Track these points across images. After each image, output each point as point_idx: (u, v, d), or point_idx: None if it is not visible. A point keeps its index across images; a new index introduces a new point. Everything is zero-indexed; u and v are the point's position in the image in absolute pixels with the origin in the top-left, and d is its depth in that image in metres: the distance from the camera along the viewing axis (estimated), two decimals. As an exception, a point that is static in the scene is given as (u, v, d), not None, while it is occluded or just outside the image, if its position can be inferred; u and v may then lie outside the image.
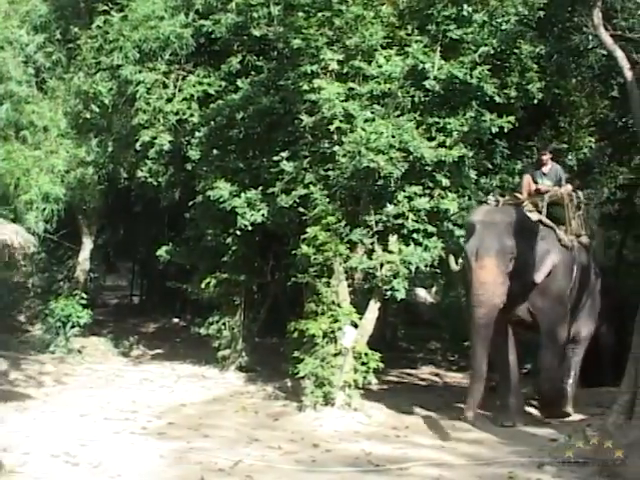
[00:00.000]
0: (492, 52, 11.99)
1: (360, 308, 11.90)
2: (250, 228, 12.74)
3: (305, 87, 11.65)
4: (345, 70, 11.86)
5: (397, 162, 11.16)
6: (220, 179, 12.92)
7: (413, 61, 11.65)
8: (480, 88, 11.73)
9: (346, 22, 11.80)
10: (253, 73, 13.23)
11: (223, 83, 13.55)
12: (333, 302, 11.75)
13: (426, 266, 11.60)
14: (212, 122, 13.41)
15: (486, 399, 11.36)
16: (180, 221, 15.72)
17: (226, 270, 14.08)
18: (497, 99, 11.91)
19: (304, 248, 11.71)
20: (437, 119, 11.89)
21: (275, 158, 12.31)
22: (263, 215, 12.62)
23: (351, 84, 11.72)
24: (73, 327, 15.65)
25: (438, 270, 12.27)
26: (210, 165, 13.48)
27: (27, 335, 17.21)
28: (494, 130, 11.88)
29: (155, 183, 14.36)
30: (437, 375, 16.04)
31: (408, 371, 15.70)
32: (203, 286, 14.14)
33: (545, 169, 12.35)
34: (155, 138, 13.57)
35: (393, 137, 11.14)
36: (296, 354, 11.77)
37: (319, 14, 11.88)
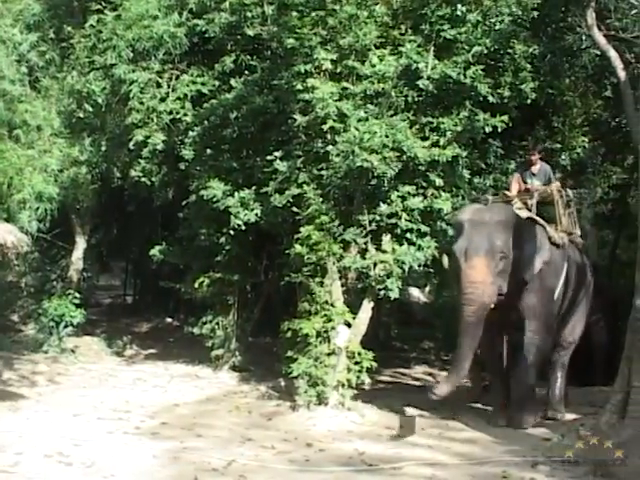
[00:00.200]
0: (486, 52, 11.99)
1: (353, 308, 11.91)
2: (244, 228, 12.73)
3: (299, 87, 11.64)
4: (339, 70, 11.86)
5: (391, 162, 11.16)
6: (214, 178, 12.91)
7: (407, 61, 11.64)
8: (474, 88, 11.74)
9: (340, 22, 11.80)
10: (247, 72, 13.23)
11: (217, 82, 13.54)
12: (326, 302, 11.75)
13: (419, 266, 11.60)
14: (206, 121, 13.39)
15: (479, 399, 11.41)
16: (173, 221, 15.71)
17: (219, 270, 14.07)
18: (491, 99, 11.91)
19: (298, 248, 11.71)
20: (431, 119, 11.89)
21: (269, 158, 12.29)
22: (257, 215, 12.61)
23: (345, 84, 11.72)
24: (66, 327, 15.63)
25: (431, 270, 12.28)
26: (204, 164, 13.47)
27: (20, 335, 17.16)
28: (488, 130, 11.88)
29: (148, 182, 14.34)
30: (430, 375, 16.04)
31: (401, 371, 15.71)
32: (196, 286, 14.13)
33: (534, 169, 12.35)
34: (148, 137, 13.55)
35: (387, 137, 11.14)
36: (289, 354, 11.78)
37: (313, 14, 11.88)
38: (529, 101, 12.67)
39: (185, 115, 13.51)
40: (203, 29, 13.32)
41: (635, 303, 8.92)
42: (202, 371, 14.66)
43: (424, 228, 11.66)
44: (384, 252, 11.61)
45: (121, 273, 27.19)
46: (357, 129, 11.20)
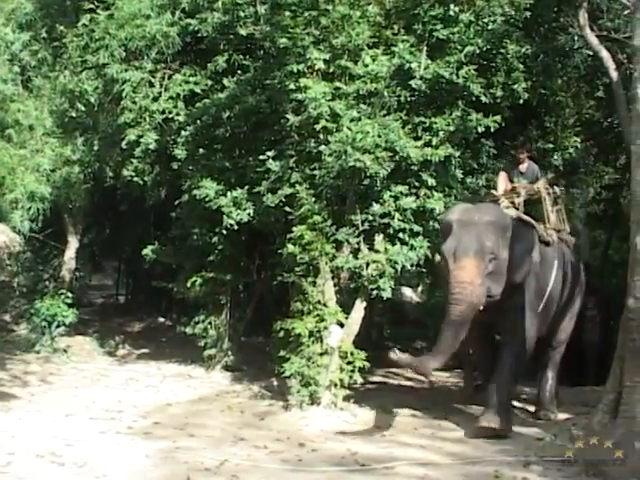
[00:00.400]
0: (478, 52, 12.00)
1: (346, 307, 11.91)
2: (236, 227, 12.72)
3: (291, 86, 11.64)
4: (331, 69, 11.86)
5: (383, 161, 11.17)
6: (206, 178, 12.89)
7: (399, 61, 11.65)
8: (466, 88, 11.75)
9: (332, 21, 11.80)
10: (239, 72, 13.22)
11: (209, 82, 13.52)
12: (319, 301, 11.76)
13: (412, 265, 11.60)
14: (198, 121, 13.38)
15: (471, 399, 11.43)
16: (166, 220, 15.69)
17: (212, 269, 14.05)
18: (483, 99, 11.92)
19: (290, 247, 11.72)
20: (423, 119, 11.90)
21: (261, 157, 12.28)
22: (249, 214, 12.60)
23: (337, 83, 11.72)
24: (59, 326, 15.59)
25: (424, 269, 12.28)
26: (196, 164, 13.46)
27: (12, 334, 17.18)
28: (480, 130, 11.88)
29: (141, 182, 14.32)
30: (423, 375, 16.03)
31: (394, 370, 15.68)
32: (189, 285, 14.11)
33: (522, 168, 12.33)
34: (141, 137, 13.52)
35: (379, 136, 11.14)
36: (282, 353, 11.78)
37: (305, 13, 11.88)
38: (521, 101, 12.66)
39: (178, 115, 13.49)
40: (196, 28, 13.30)
41: (627, 303, 8.93)
42: (194, 371, 14.65)
43: (417, 228, 11.66)
44: (377, 252, 11.62)
45: (113, 273, 27.17)
46: (350, 129, 11.20)
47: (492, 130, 11.91)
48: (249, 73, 13.09)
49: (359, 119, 11.49)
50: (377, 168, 11.13)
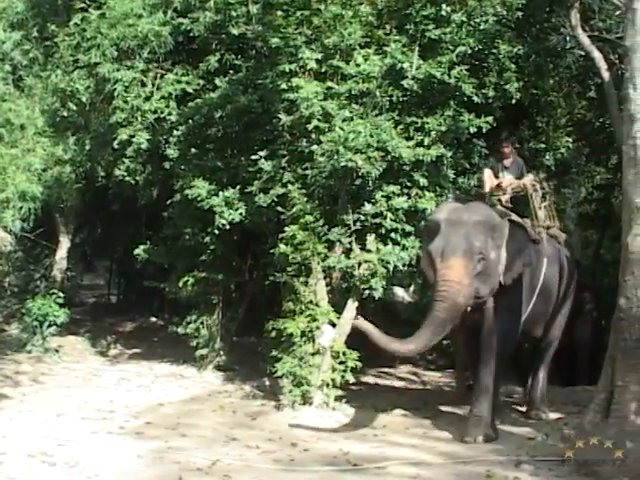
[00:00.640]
0: (470, 52, 11.98)
1: (338, 307, 11.91)
2: (228, 227, 12.71)
3: (283, 86, 11.63)
4: (323, 69, 11.84)
5: (375, 161, 11.16)
6: (198, 178, 12.87)
7: (391, 60, 11.64)
8: (458, 88, 11.74)
9: (325, 21, 11.79)
10: (231, 72, 13.22)
11: (201, 82, 13.51)
12: (311, 301, 11.76)
13: (404, 265, 11.59)
14: (190, 121, 13.36)
15: (463, 399, 11.43)
16: (158, 220, 15.68)
17: (204, 269, 14.04)
18: (475, 99, 11.90)
19: (282, 247, 11.71)
20: (415, 118, 11.89)
21: (253, 157, 12.28)
22: (241, 214, 12.59)
23: (329, 83, 11.71)
24: (50, 326, 15.55)
25: (416, 269, 12.26)
26: (188, 164, 13.45)
27: (3, 334, 17.13)
28: (472, 130, 11.88)
29: (133, 182, 14.30)
30: (415, 374, 16.06)
31: (386, 370, 15.71)
32: (181, 285, 14.09)
33: (507, 162, 12.12)
34: (133, 136, 13.50)
35: (371, 136, 11.13)
36: (274, 353, 11.78)
37: (298, 13, 11.87)
38: (513, 101, 12.65)
39: (170, 114, 13.48)
40: (188, 28, 13.28)
41: (618, 303, 8.95)
42: (186, 371, 14.64)
43: (408, 228, 11.64)
44: (368, 252, 11.61)
45: (105, 272, 27.15)
46: (342, 129, 11.20)
47: (484, 130, 11.92)
48: (241, 73, 13.09)
49: (351, 119, 11.48)
50: (369, 168, 11.12)
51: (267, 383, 12.86)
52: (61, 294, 15.90)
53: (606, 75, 12.27)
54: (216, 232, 12.97)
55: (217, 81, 13.08)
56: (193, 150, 13.46)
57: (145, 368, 15.08)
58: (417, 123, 11.86)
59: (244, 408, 11.86)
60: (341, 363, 11.58)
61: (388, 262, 11.43)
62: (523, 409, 12.17)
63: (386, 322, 18.86)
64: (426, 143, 11.66)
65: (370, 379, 14.72)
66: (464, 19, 11.97)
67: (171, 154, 13.47)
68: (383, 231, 11.64)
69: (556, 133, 14.85)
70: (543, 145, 14.73)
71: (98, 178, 15.82)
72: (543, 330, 11.94)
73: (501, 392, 11.71)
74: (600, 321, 14.97)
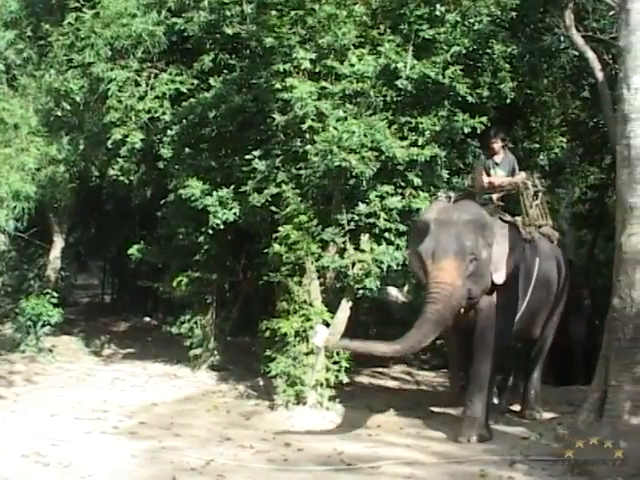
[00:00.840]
0: (464, 52, 11.99)
1: (332, 307, 11.90)
2: (222, 227, 12.71)
3: (277, 86, 11.62)
4: (317, 69, 11.84)
5: (369, 161, 11.15)
6: (192, 177, 12.86)
7: (385, 60, 11.65)
8: (452, 88, 11.75)
9: (319, 21, 11.78)
10: (225, 71, 13.20)
11: (195, 81, 13.49)
12: (305, 301, 11.75)
13: (398, 265, 11.59)
14: (184, 120, 13.35)
15: (457, 398, 11.43)
16: (152, 220, 15.67)
17: (198, 269, 14.03)
18: (469, 99, 11.90)
19: (276, 247, 11.71)
20: (409, 118, 11.89)
21: (247, 157, 12.28)
22: (235, 214, 12.59)
23: (323, 83, 11.70)
24: (44, 326, 15.51)
25: (410, 269, 12.26)
26: (182, 163, 13.44)
27: (-3, 334, 17.13)
28: (466, 130, 11.88)
29: (127, 181, 14.26)
30: (409, 374, 16.05)
31: (380, 370, 15.71)
32: (175, 285, 14.08)
33: (497, 158, 11.90)
34: (127, 136, 13.48)
35: (365, 136, 11.12)
36: (268, 353, 11.77)
37: (292, 13, 11.86)
38: (508, 101, 12.65)
39: (164, 114, 13.45)
40: (182, 28, 13.26)
41: (612, 303, 8.96)
42: (180, 370, 14.62)
43: (402, 228, 11.64)
44: (362, 251, 11.61)
45: (99, 272, 27.13)
46: (336, 128, 11.19)
47: (478, 130, 11.91)
48: (235, 72, 13.07)
49: (345, 119, 11.47)
50: (363, 168, 11.12)
51: (261, 383, 12.85)
52: (55, 294, 15.86)
53: (600, 75, 12.28)
54: (210, 232, 12.98)
55: (211, 81, 13.07)
56: (187, 150, 13.44)
57: (139, 368, 15.06)
58: (411, 123, 11.85)
59: (238, 408, 11.85)
60: (335, 363, 11.58)
61: (382, 262, 11.43)
62: (517, 408, 12.17)
63: (380, 322, 19.01)
64: (420, 143, 11.66)
65: (364, 379, 14.72)
66: (458, 19, 11.98)
67: (165, 154, 13.46)
68: (377, 231, 11.64)
69: (550, 133, 14.85)
70: (537, 145, 14.74)
71: (92, 178, 15.81)
72: (536, 330, 11.85)
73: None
74: (595, 320, 14.99)
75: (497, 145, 11.90)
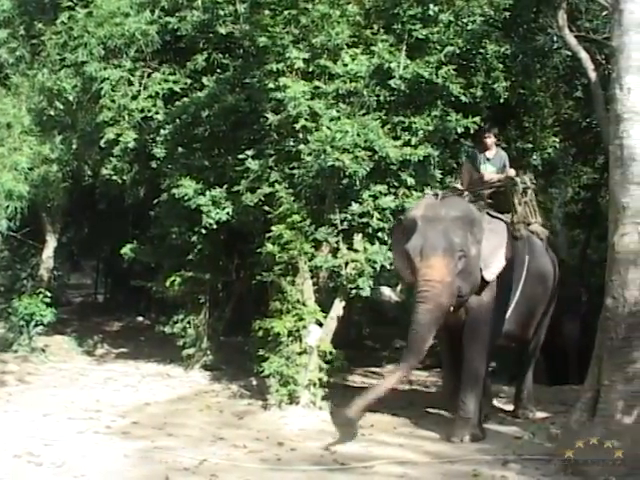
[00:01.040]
0: (458, 52, 12.00)
1: (325, 307, 11.90)
2: (215, 226, 12.71)
3: (271, 85, 11.63)
4: (311, 69, 11.85)
5: (362, 161, 11.16)
6: (185, 177, 12.86)
7: (379, 60, 11.66)
8: (446, 87, 11.75)
9: (312, 21, 11.79)
10: (219, 71, 13.20)
11: (188, 81, 13.48)
12: (298, 301, 11.75)
13: (391, 264, 11.59)
14: (177, 120, 13.34)
15: (450, 398, 11.42)
16: (145, 219, 15.64)
17: (191, 268, 14.02)
18: (463, 99, 11.91)
19: (269, 247, 11.71)
20: (402, 118, 11.90)
21: (240, 156, 12.28)
22: (228, 213, 12.59)
23: (317, 83, 11.71)
24: (37, 326, 15.50)
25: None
26: (175, 163, 13.43)
27: (-10, 334, 17.09)
28: (459, 130, 11.88)
29: (120, 181, 14.25)
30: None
31: (373, 369, 15.70)
32: (168, 284, 14.06)
33: (489, 154, 11.84)
34: (120, 136, 13.47)
35: (358, 136, 11.14)
36: (261, 353, 11.77)
37: (285, 12, 11.86)
38: (501, 101, 12.66)
39: (157, 113, 13.44)
40: (175, 27, 13.26)
41: (605, 302, 8.97)
42: (173, 370, 14.61)
43: (396, 227, 11.65)
44: (356, 251, 11.62)
45: (92, 272, 27.08)
46: (329, 128, 11.20)
47: (471, 130, 11.92)
48: (228, 72, 13.06)
49: (338, 118, 11.49)
50: (356, 167, 11.12)
51: (254, 383, 12.84)
52: (48, 293, 15.84)
53: (593, 75, 12.30)
54: (203, 231, 12.97)
55: (204, 80, 13.06)
56: (180, 149, 13.43)
57: (132, 368, 15.05)
58: (404, 123, 11.86)
59: (231, 408, 11.85)
60: (328, 363, 11.59)
61: (375, 261, 11.44)
62: (510, 408, 12.17)
63: (373, 321, 19.03)
64: (413, 143, 11.67)
65: (357, 378, 14.72)
66: (451, 19, 12.01)
67: (158, 153, 13.44)
68: (370, 230, 11.65)
69: (543, 133, 14.87)
70: (530, 145, 14.75)
71: (85, 177, 15.79)
72: (527, 328, 11.69)
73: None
74: (589, 320, 15.00)
75: (490, 140, 11.87)
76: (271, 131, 12.18)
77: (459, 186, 11.61)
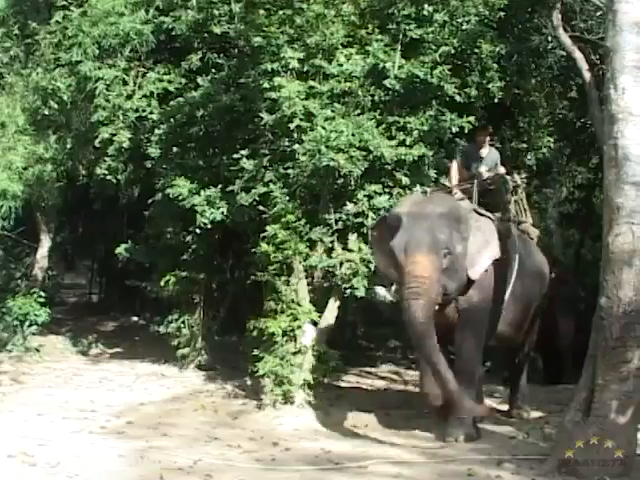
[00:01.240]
0: (453, 52, 12.02)
1: (320, 307, 11.91)
2: (210, 226, 12.71)
3: (265, 85, 11.64)
4: (306, 68, 11.85)
5: (357, 161, 11.16)
6: (180, 177, 12.86)
7: (373, 60, 11.67)
8: (440, 87, 11.76)
9: (307, 20, 11.80)
10: (213, 71, 13.19)
11: (183, 80, 13.48)
12: (292, 300, 11.75)
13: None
14: (172, 119, 13.34)
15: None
16: (139, 219, 15.63)
17: (186, 268, 14.00)
18: (457, 98, 11.92)
19: (264, 246, 11.70)
20: (397, 118, 11.90)
21: (235, 156, 12.27)
22: (223, 213, 12.58)
23: (311, 82, 11.72)
24: (31, 325, 15.47)
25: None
26: (170, 163, 13.42)
27: (-17, 334, 17.05)
28: (454, 130, 11.89)
29: (114, 180, 14.23)
30: (397, 373, 16.03)
31: (368, 369, 15.70)
32: (162, 284, 14.03)
33: (483, 152, 11.84)
34: (114, 135, 13.46)
35: (353, 136, 11.14)
36: (256, 352, 11.75)
37: (280, 12, 11.89)
38: (495, 101, 12.68)
39: (151, 113, 13.44)
40: (170, 26, 13.25)
41: (599, 302, 8.97)
42: (168, 370, 14.59)
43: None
44: (350, 251, 11.62)
45: (87, 271, 26.98)
46: (324, 128, 11.20)
47: (466, 130, 11.93)
48: (223, 72, 13.06)
49: (333, 118, 11.49)
50: (351, 167, 11.13)
51: (249, 382, 12.83)
52: (42, 293, 15.83)
53: (587, 75, 12.33)
54: (197, 231, 12.99)
55: (199, 80, 13.05)
56: (175, 149, 13.44)
57: (126, 367, 15.02)
58: (399, 122, 11.86)
59: (226, 407, 11.84)
60: (322, 363, 11.58)
61: (370, 261, 11.44)
62: (504, 408, 12.18)
63: (368, 322, 19.01)
64: (408, 142, 11.67)
65: (352, 378, 14.71)
66: (446, 19, 12.02)
67: (153, 153, 13.44)
68: (365, 230, 11.64)
69: (538, 133, 14.90)
70: (525, 145, 14.79)
71: (79, 177, 15.78)
72: (519, 330, 11.52)
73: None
74: (584, 320, 15.01)
75: (483, 138, 11.89)
76: (266, 131, 12.19)
77: (449, 183, 11.66)
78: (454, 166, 11.93)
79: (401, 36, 11.91)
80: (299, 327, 11.51)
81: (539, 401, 12.37)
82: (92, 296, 26.00)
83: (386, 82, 11.67)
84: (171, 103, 13.34)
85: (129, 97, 13.44)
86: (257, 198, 11.98)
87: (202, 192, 12.60)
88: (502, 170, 11.65)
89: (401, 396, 13.28)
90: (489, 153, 11.93)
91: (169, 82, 13.43)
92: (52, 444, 9.12)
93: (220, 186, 12.60)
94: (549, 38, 14.15)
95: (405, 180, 11.70)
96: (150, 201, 13.93)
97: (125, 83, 13.55)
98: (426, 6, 11.89)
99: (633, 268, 8.61)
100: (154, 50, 13.73)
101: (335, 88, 11.71)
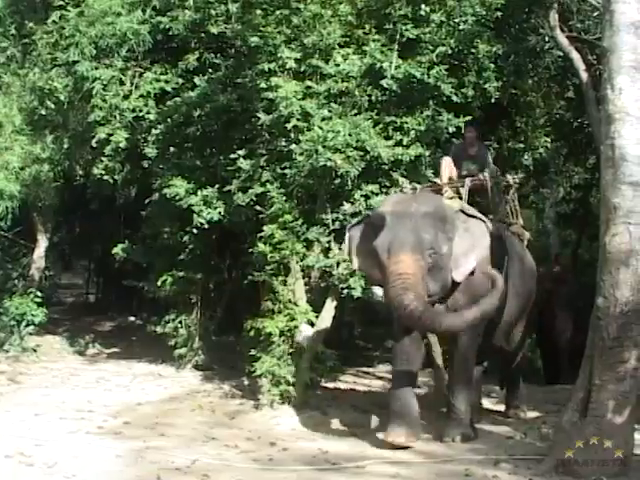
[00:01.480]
0: (449, 52, 12.01)
1: (317, 307, 11.90)
2: (207, 226, 12.70)
3: (262, 85, 11.63)
4: (303, 68, 11.85)
5: (354, 161, 11.16)
6: (177, 177, 12.85)
7: (370, 60, 11.66)
8: (437, 87, 11.76)
9: (304, 20, 11.79)
10: (210, 70, 13.18)
11: (180, 80, 13.47)
12: (290, 300, 11.75)
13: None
14: (169, 119, 13.32)
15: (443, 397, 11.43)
16: (136, 219, 15.62)
17: (183, 268, 13.99)
18: (454, 98, 11.93)
19: (261, 246, 11.70)
20: (394, 118, 11.90)
21: (232, 156, 12.27)
22: (220, 213, 12.57)
23: (308, 82, 11.71)
24: (28, 325, 15.46)
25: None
26: (167, 163, 13.42)
27: (-20, 334, 17.04)
28: (451, 130, 11.90)
29: (111, 180, 14.23)
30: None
31: (365, 369, 15.70)
32: (159, 284, 14.03)
33: (472, 150, 11.78)
34: (111, 135, 13.45)
35: (350, 136, 11.13)
36: (253, 352, 11.76)
37: (277, 12, 11.87)
38: (492, 101, 12.69)
39: (148, 113, 13.42)
40: (167, 26, 13.23)
41: (596, 302, 8.98)
42: (165, 370, 14.59)
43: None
44: (348, 251, 11.62)
45: (84, 271, 26.97)
46: (321, 128, 11.20)
47: (463, 130, 11.93)
48: (220, 72, 13.05)
49: (330, 118, 11.49)
50: (348, 167, 11.12)
51: (246, 382, 12.83)
52: (39, 293, 15.83)
53: (584, 75, 12.33)
54: (195, 231, 12.97)
55: (196, 80, 13.04)
56: (172, 149, 13.44)
57: (124, 367, 15.02)
58: (396, 122, 11.86)
59: (223, 407, 11.83)
60: (320, 362, 11.59)
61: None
62: (501, 408, 12.18)
63: (364, 322, 19.02)
64: (405, 142, 11.67)
65: (349, 378, 14.70)
66: (443, 19, 12.01)
67: (150, 153, 13.43)
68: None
69: (535, 133, 14.91)
70: (522, 145, 14.80)
71: (76, 177, 15.77)
72: (507, 334, 11.34)
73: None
74: (581, 319, 15.02)
75: (470, 135, 11.84)
76: (263, 131, 12.19)
77: (438, 181, 11.58)
78: (444, 164, 11.75)
79: (398, 36, 11.90)
80: (296, 327, 11.51)
81: (536, 401, 12.39)
82: (89, 296, 26.02)
83: (383, 82, 11.67)
84: (168, 103, 13.33)
85: (126, 97, 13.43)
86: (254, 198, 11.97)
87: (199, 192, 12.59)
88: (493, 169, 11.59)
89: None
90: (479, 151, 11.90)
91: (166, 82, 13.42)
92: (49, 444, 9.12)
93: (217, 186, 12.59)
94: (546, 38, 14.15)
95: (402, 180, 11.68)
96: (147, 201, 13.93)
97: (122, 83, 13.54)
98: (423, 6, 11.88)
99: (630, 268, 8.62)
100: (151, 50, 13.71)
101: (332, 88, 11.71)
